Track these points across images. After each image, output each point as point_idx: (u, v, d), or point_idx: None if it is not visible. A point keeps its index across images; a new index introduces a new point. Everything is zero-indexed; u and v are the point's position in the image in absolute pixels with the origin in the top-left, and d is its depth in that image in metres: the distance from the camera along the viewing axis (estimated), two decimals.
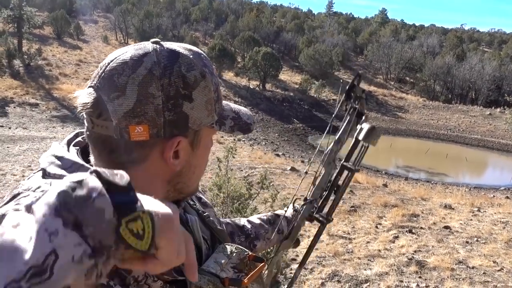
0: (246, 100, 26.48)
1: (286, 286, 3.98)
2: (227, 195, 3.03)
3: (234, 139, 15.74)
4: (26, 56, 23.76)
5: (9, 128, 15.20)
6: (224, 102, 0.81)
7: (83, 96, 0.69)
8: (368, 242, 6.53)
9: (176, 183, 0.74)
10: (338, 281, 5.07)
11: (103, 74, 0.67)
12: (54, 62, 25.41)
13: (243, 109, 0.84)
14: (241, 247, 0.87)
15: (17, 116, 16.94)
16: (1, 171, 9.84)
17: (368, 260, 5.75)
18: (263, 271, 0.91)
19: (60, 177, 0.67)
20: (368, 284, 4.99)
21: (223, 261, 0.80)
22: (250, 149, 15.43)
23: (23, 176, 9.59)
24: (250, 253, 0.86)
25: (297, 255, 5.86)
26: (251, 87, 28.53)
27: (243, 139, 17.87)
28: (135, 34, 35.35)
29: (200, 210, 0.90)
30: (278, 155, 15.97)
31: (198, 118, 0.71)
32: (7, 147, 12.39)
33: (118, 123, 0.66)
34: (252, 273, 0.80)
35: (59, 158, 0.71)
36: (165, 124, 0.67)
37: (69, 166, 0.70)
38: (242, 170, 11.04)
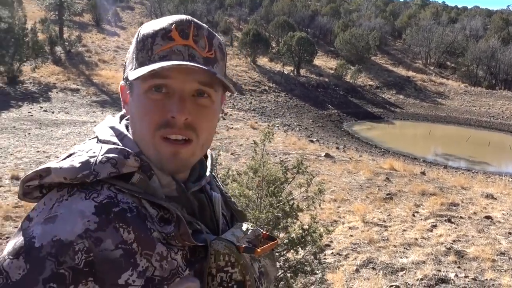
0: (280, 85, 26.34)
1: (320, 271, 3.98)
2: (262, 179, 3.03)
3: (269, 125, 15.73)
4: (67, 43, 24.49)
5: (52, 112, 15.80)
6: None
7: None
8: (404, 230, 6.41)
9: (131, 128, 0.82)
10: (373, 268, 5.01)
11: None
12: (93, 49, 26.09)
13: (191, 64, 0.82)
14: (257, 227, 0.94)
15: (60, 101, 17.56)
16: (45, 153, 10.26)
17: (404, 248, 5.65)
18: (275, 250, 1.00)
19: (109, 142, 0.79)
20: (404, 272, 4.92)
21: (239, 235, 0.85)
22: (284, 135, 15.39)
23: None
24: (264, 232, 0.92)
25: (331, 241, 5.84)
26: (285, 73, 28.32)
27: (277, 125, 17.82)
28: None
29: (224, 190, 0.97)
30: (312, 141, 15.86)
31: (127, 66, 0.82)
32: (51, 130, 12.90)
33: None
34: (265, 246, 0.86)
35: (111, 127, 0.83)
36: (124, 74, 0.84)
37: (118, 134, 0.81)
38: (276, 156, 11.04)
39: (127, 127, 0.83)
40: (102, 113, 16.68)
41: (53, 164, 0.73)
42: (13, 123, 13.29)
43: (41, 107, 16.21)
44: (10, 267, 0.66)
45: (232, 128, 14.98)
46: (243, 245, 0.80)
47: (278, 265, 3.31)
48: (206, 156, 0.94)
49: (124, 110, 0.86)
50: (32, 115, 14.79)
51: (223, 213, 0.91)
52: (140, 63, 0.77)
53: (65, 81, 20.45)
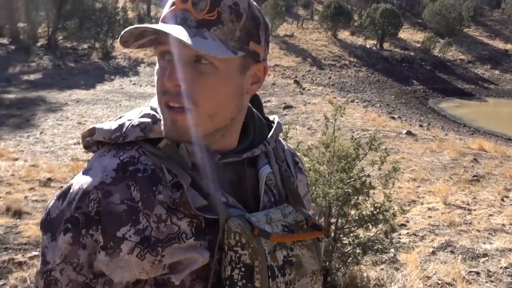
0: (361, 60, 25.39)
1: (393, 250, 3.89)
2: (333, 154, 2.99)
3: (347, 100, 15.33)
4: (153, 20, 25.71)
5: (140, 85, 16.82)
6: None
7: None
8: (490, 215, 5.97)
9: None
10: (452, 252, 4.77)
11: None
12: None
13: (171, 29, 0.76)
14: (304, 211, 0.86)
15: (147, 75, 18.60)
16: None
17: (489, 233, 5.29)
18: (322, 241, 0.86)
19: (152, 108, 0.83)
20: (486, 258, 4.62)
21: (275, 216, 0.80)
22: (364, 111, 14.91)
23: None
24: (311, 219, 0.85)
25: (407, 221, 5.64)
26: (368, 47, 27.18)
27: (357, 101, 17.31)
28: None
29: (284, 168, 0.90)
30: (393, 118, 15.19)
31: None
32: (138, 102, 13.78)
33: None
34: (288, 235, 0.79)
35: None
36: None
37: None
38: (353, 132, 10.78)
39: None
40: None
41: (98, 124, 0.81)
42: (106, 95, 14.39)
43: (131, 81, 17.32)
44: (52, 206, 0.78)
45: (310, 103, 14.83)
46: (259, 228, 0.75)
47: (347, 241, 3.29)
48: (271, 126, 0.90)
49: None
50: (122, 88, 15.88)
51: (272, 190, 0.86)
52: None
53: (152, 56, 21.54)
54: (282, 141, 0.99)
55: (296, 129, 11.30)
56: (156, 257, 0.73)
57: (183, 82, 0.73)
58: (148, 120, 0.79)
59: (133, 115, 0.81)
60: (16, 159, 7.11)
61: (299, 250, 0.80)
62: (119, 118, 0.82)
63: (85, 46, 21.35)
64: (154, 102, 0.83)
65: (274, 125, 0.91)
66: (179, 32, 0.71)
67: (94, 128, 0.81)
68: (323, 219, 3.25)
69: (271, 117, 0.95)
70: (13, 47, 18.66)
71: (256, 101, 0.95)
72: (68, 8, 21.20)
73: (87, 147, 0.84)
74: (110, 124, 0.80)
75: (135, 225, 0.73)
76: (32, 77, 16.04)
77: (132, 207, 0.74)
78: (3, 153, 7.29)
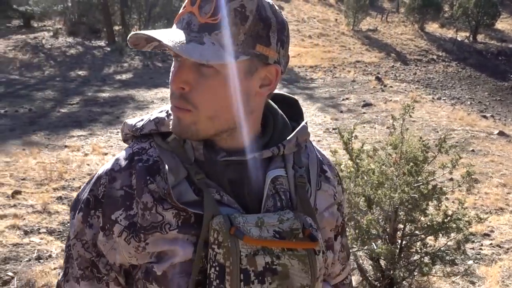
0: (451, 54, 23.71)
1: (468, 262, 3.60)
2: (400, 156, 2.84)
3: (433, 98, 14.44)
4: None
5: None
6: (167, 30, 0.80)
7: None
8: None
9: None
10: None
11: None
12: None
13: (175, 37, 0.78)
14: (305, 220, 0.82)
15: None
16: None
17: None
18: (318, 254, 0.80)
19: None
20: None
21: (269, 221, 0.78)
22: (450, 109, 13.94)
23: None
24: (308, 229, 0.80)
25: (491, 231, 5.17)
26: (459, 39, 25.29)
27: (444, 98, 16.22)
28: None
29: (300, 174, 0.87)
30: (485, 116, 14.00)
31: None
32: None
33: None
34: (274, 241, 0.75)
35: None
36: None
37: None
38: (437, 132, 10.13)
39: None
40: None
41: (127, 120, 0.91)
42: None
43: None
44: (82, 188, 0.89)
45: (391, 100, 14.20)
46: (235, 227, 0.74)
47: (413, 249, 3.11)
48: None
49: None
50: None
51: (280, 195, 0.84)
52: None
53: None
54: (315, 147, 0.96)
55: (375, 128, 10.91)
56: (139, 243, 0.78)
57: (186, 85, 0.75)
58: (163, 115, 0.86)
59: (156, 112, 0.89)
60: (106, 154, 7.73)
61: (288, 260, 0.76)
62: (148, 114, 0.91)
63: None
64: None
65: (296, 129, 0.89)
66: (172, 38, 0.73)
67: (125, 122, 0.91)
68: (388, 224, 3.11)
69: (303, 122, 0.93)
70: (109, 49, 20.25)
71: (286, 102, 0.94)
72: (157, 11, 22.52)
73: (125, 140, 0.93)
74: (136, 119, 0.89)
75: (127, 211, 0.80)
76: (124, 76, 17.30)
77: (129, 193, 0.80)
78: (95, 148, 7.97)
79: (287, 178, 0.85)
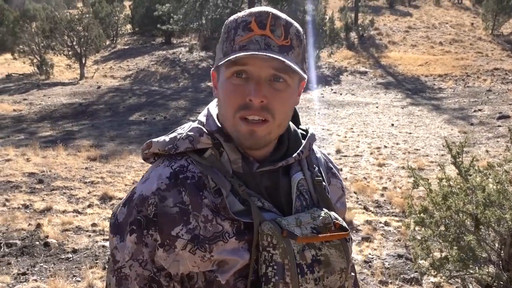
0: None
1: None
2: None
3: None
4: (360, 28, 25.86)
5: (340, 94, 17.21)
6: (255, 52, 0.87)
7: None
8: None
9: (218, 110, 0.95)
10: None
11: None
12: (384, 31, 26.54)
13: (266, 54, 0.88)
14: (332, 214, 0.92)
15: (348, 83, 18.88)
16: (328, 131, 11.42)
17: None
18: (349, 241, 0.91)
19: (198, 122, 0.96)
20: None
21: (304, 219, 0.88)
22: None
23: (345, 137, 10.82)
24: (337, 222, 0.91)
25: None
26: None
27: None
28: None
29: (315, 174, 0.98)
30: None
31: (217, 55, 0.91)
32: (337, 110, 14.16)
33: None
34: (318, 236, 0.86)
35: (208, 108, 0.99)
36: (214, 61, 0.93)
37: (207, 114, 0.97)
38: None
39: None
40: (385, 94, 16.98)
41: (155, 138, 0.95)
42: (307, 103, 15.26)
43: (332, 89, 17.89)
44: (119, 212, 0.91)
45: None
46: (287, 230, 0.83)
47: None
48: (305, 136, 0.99)
49: (214, 94, 0.96)
50: (323, 97, 16.56)
51: (304, 195, 0.94)
52: (225, 53, 0.87)
53: (355, 64, 21.75)
54: (316, 148, 1.06)
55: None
56: (205, 253, 0.84)
57: (265, 98, 0.84)
58: (195, 133, 0.91)
59: (183, 129, 0.94)
60: None
61: (327, 249, 0.87)
62: (172, 132, 0.96)
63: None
64: (200, 115, 0.97)
65: (308, 135, 1.00)
66: (272, 56, 0.84)
67: (151, 142, 0.94)
68: (503, 249, 2.82)
69: (304, 127, 1.03)
70: None
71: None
72: None
73: (145, 159, 0.99)
74: (164, 138, 0.93)
75: (186, 225, 0.85)
76: None
77: (183, 209, 0.86)
78: None
79: (305, 179, 0.95)
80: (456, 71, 19.17)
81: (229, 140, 0.90)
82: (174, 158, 0.92)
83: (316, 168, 1.00)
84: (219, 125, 0.92)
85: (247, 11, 0.88)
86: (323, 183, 0.99)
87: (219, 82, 0.91)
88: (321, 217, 0.89)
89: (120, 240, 0.88)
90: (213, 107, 0.98)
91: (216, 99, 0.98)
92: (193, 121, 0.98)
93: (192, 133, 0.91)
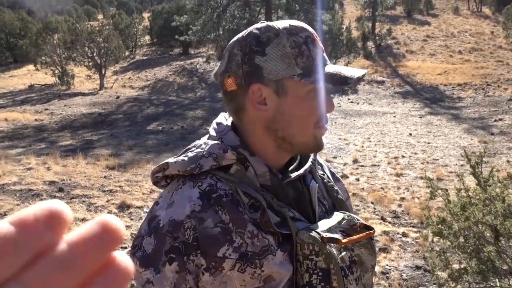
0: None
1: None
2: None
3: None
4: (377, 37, 25.77)
5: (357, 103, 17.12)
6: (337, 66, 0.90)
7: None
8: None
9: (275, 130, 0.89)
10: None
11: None
12: (402, 40, 26.40)
13: (351, 69, 0.89)
14: (353, 215, 0.94)
15: (365, 93, 18.79)
16: (345, 141, 11.36)
17: None
18: (373, 239, 0.94)
19: (214, 138, 0.92)
20: None
21: (332, 224, 0.89)
22: None
23: (362, 146, 10.74)
24: (361, 222, 0.93)
25: None
26: None
27: None
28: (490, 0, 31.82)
29: (326, 179, 1.00)
30: None
31: (274, 69, 0.85)
32: (354, 120, 14.09)
33: (220, 79, 0.91)
34: (353, 237, 0.87)
35: (218, 123, 0.96)
36: (244, 75, 0.86)
37: (222, 130, 0.93)
38: None
39: (232, 122, 0.95)
40: (403, 103, 16.84)
41: (171, 159, 0.90)
42: None
43: (349, 99, 17.83)
44: (145, 243, 0.85)
45: None
46: (327, 235, 0.84)
47: None
48: None
49: (247, 111, 0.90)
50: (340, 106, 16.50)
51: (322, 202, 0.96)
52: (304, 68, 0.85)
53: (373, 73, 21.65)
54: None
55: None
56: (255, 269, 0.82)
57: None
58: (218, 149, 0.88)
59: (200, 148, 0.90)
60: None
61: (358, 249, 0.90)
62: (185, 151, 0.92)
63: None
64: (212, 131, 0.95)
65: None
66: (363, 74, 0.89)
67: (167, 163, 0.90)
68: None
69: None
70: None
71: None
72: None
73: (156, 183, 0.95)
74: (182, 158, 0.89)
75: (232, 244, 0.82)
76: None
77: (225, 228, 0.83)
78: None
79: (318, 186, 0.98)
80: (476, 80, 18.90)
81: (253, 154, 0.89)
82: (197, 178, 0.88)
83: (325, 174, 1.03)
84: (240, 140, 0.91)
85: (293, 23, 0.89)
86: (335, 187, 1.01)
87: (284, 97, 0.87)
88: (345, 220, 0.92)
89: (155, 272, 0.82)
90: (224, 121, 0.96)
91: (223, 114, 0.99)
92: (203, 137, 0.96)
93: (215, 150, 0.88)
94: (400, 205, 6.39)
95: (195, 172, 0.87)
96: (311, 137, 0.89)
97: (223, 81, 0.90)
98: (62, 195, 6.38)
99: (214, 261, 0.81)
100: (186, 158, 0.89)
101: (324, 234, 0.85)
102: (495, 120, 13.07)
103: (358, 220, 0.93)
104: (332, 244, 0.85)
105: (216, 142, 0.90)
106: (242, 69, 0.86)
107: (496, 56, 22.06)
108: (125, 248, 4.52)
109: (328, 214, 0.95)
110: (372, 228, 0.92)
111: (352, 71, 0.88)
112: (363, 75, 0.88)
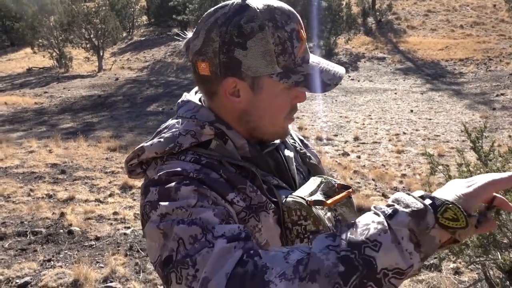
0: None
1: None
2: None
3: None
4: (378, 13, 25.39)
5: (358, 80, 17.01)
6: (317, 59, 0.87)
7: (188, 35, 0.91)
8: None
9: (246, 121, 0.89)
10: None
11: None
12: (403, 16, 26.01)
13: (333, 70, 0.87)
14: (330, 178, 0.96)
15: (366, 70, 18.64)
16: (346, 118, 11.33)
17: None
18: (352, 197, 0.96)
19: (186, 117, 0.89)
20: None
21: (312, 189, 0.91)
22: None
23: (363, 124, 10.72)
24: (338, 182, 0.96)
25: None
26: None
27: None
28: None
29: (298, 147, 1.05)
30: None
31: (253, 65, 0.82)
32: (354, 97, 14.02)
33: (192, 59, 0.87)
34: (336, 197, 0.89)
35: (185, 102, 0.94)
36: (220, 65, 0.83)
37: (193, 107, 0.91)
38: None
39: (200, 100, 0.94)
40: (404, 80, 16.72)
41: (145, 143, 0.87)
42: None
43: (349, 76, 17.70)
44: (149, 197, 0.79)
45: None
46: (312, 199, 0.86)
47: None
48: None
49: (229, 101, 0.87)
50: (340, 84, 16.36)
51: (299, 169, 0.99)
52: (285, 66, 0.83)
53: (373, 50, 21.43)
54: None
55: None
56: (258, 223, 0.83)
57: None
58: (195, 126, 0.86)
59: (174, 128, 0.88)
60: None
61: (340, 209, 0.92)
62: (157, 134, 0.89)
63: (311, 44, 22.84)
64: (182, 110, 0.92)
65: None
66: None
67: (142, 148, 0.86)
68: None
69: None
70: None
71: None
72: (298, 10, 23.06)
73: (131, 172, 0.90)
74: (158, 140, 0.85)
75: (238, 194, 0.82)
76: None
77: (229, 181, 0.83)
78: None
79: (294, 155, 1.01)
80: (478, 54, 18.72)
81: (230, 127, 0.88)
82: (178, 156, 0.84)
83: (296, 142, 1.06)
84: (214, 115, 0.89)
85: (277, 8, 0.83)
86: (307, 153, 1.05)
87: (259, 92, 0.85)
88: (323, 183, 0.94)
89: (171, 200, 0.76)
90: (193, 99, 0.93)
91: (194, 91, 0.98)
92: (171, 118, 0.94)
93: (192, 127, 0.86)
94: (401, 182, 6.42)
95: (174, 152, 0.84)
96: (280, 128, 0.92)
97: (195, 62, 0.86)
98: (65, 177, 6.41)
99: (225, 200, 0.79)
100: (162, 140, 0.85)
101: (309, 198, 0.87)
102: (497, 95, 13.01)
103: (335, 181, 0.96)
104: (317, 207, 0.86)
105: (189, 119, 0.88)
106: (219, 58, 0.82)
107: (498, 30, 21.78)
108: (129, 228, 4.57)
109: (306, 180, 0.97)
110: (350, 187, 0.95)
111: (333, 72, 0.87)
112: (341, 79, 0.88)
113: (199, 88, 0.93)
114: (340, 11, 21.84)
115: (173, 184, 0.77)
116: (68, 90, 16.12)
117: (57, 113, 12.72)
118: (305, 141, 1.15)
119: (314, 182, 0.94)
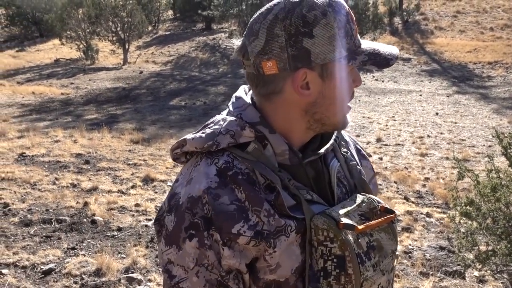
0: None
1: None
2: None
3: None
4: (405, 13, 24.96)
5: (382, 81, 16.78)
6: (365, 41, 0.87)
7: (237, 43, 0.88)
8: None
9: (313, 113, 0.86)
10: None
11: (248, 24, 0.86)
12: (431, 16, 25.51)
13: (385, 46, 0.86)
14: (374, 198, 0.90)
15: (390, 71, 18.33)
16: (369, 119, 11.19)
17: None
18: (395, 223, 0.90)
19: (233, 114, 0.88)
20: None
21: (350, 208, 0.86)
22: None
23: (387, 125, 10.57)
24: (382, 205, 0.90)
25: None
26: None
27: None
28: None
29: (349, 159, 0.97)
30: None
31: (322, 52, 0.81)
32: (378, 98, 13.83)
33: (254, 61, 0.83)
34: (371, 222, 0.84)
35: (237, 98, 0.92)
36: (289, 59, 0.81)
37: (242, 105, 0.89)
38: None
39: (252, 98, 0.91)
40: (429, 82, 16.41)
41: (189, 136, 0.88)
42: None
43: (373, 76, 17.46)
44: (167, 221, 0.85)
45: None
46: (343, 222, 0.81)
47: None
48: None
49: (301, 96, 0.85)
50: (364, 84, 16.18)
51: (343, 182, 0.93)
52: (349, 49, 0.83)
53: (399, 50, 21.06)
54: (343, 131, 1.04)
55: None
56: (269, 249, 0.81)
57: None
58: (236, 126, 0.85)
59: (219, 124, 0.87)
60: None
61: (378, 234, 0.87)
62: (203, 128, 0.89)
63: None
64: (231, 106, 0.91)
65: None
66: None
67: (185, 140, 0.87)
68: None
69: None
70: None
71: None
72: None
73: (176, 159, 0.93)
74: (200, 134, 0.87)
75: (247, 222, 0.81)
76: None
77: (241, 206, 0.81)
78: None
79: (340, 166, 0.94)
80: (507, 58, 18.21)
81: (273, 131, 0.85)
82: (214, 155, 0.85)
83: (349, 152, 0.98)
84: (260, 116, 0.86)
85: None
86: (358, 166, 0.98)
87: (329, 79, 0.84)
88: (365, 203, 0.89)
89: (178, 249, 0.83)
90: (244, 96, 0.91)
91: (243, 88, 0.95)
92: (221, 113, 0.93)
93: (231, 127, 0.85)
94: (424, 185, 6.31)
95: (212, 150, 0.85)
96: (343, 117, 0.89)
97: (260, 64, 0.82)
98: (89, 167, 6.53)
99: (229, 236, 0.80)
100: (203, 135, 0.86)
101: (342, 219, 0.82)
102: None
103: (379, 203, 0.90)
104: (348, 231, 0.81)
105: (234, 118, 0.87)
106: (287, 52, 0.80)
107: None
108: (150, 220, 4.62)
109: (348, 196, 0.91)
110: (393, 212, 0.88)
111: (386, 48, 0.87)
112: (397, 53, 0.87)
113: (259, 91, 0.87)
114: (366, 10, 21.57)
115: (181, 234, 0.82)
116: (94, 82, 16.40)
117: (82, 104, 12.95)
118: (364, 151, 1.07)
119: (355, 200, 0.89)
